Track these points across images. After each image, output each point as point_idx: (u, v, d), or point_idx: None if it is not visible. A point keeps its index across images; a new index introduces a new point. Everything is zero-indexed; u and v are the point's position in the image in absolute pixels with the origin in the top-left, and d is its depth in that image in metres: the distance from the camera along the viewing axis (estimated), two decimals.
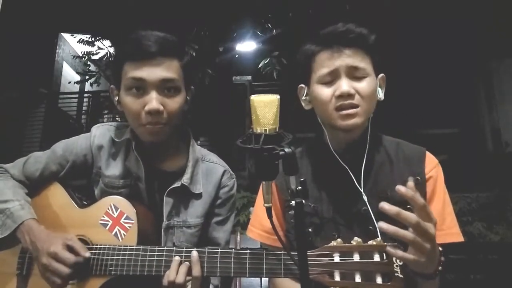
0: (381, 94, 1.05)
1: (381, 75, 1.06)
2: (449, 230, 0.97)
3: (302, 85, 1.09)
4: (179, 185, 1.09)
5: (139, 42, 1.00)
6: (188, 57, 1.10)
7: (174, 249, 0.92)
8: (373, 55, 1.03)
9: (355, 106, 0.97)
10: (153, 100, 0.99)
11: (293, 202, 0.73)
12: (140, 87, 1.01)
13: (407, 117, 5.24)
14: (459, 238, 0.97)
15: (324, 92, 1.00)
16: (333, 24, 1.03)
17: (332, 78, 1.00)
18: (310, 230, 1.01)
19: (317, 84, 1.02)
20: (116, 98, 1.10)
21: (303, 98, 1.09)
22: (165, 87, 1.02)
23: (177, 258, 0.90)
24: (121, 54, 1.05)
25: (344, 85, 0.97)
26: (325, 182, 1.05)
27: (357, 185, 1.00)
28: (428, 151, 1.06)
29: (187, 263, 0.89)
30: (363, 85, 0.98)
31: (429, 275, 0.81)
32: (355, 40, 0.99)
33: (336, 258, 0.80)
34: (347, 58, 0.98)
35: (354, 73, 0.99)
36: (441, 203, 1.00)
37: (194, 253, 0.89)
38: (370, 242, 0.80)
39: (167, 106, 1.02)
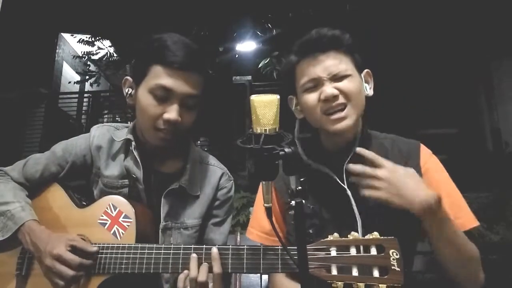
0: (368, 90, 1.06)
1: (365, 70, 1.07)
2: (467, 217, 0.99)
3: (291, 96, 1.12)
4: (177, 186, 1.09)
5: (176, 51, 1.00)
6: (208, 67, 1.11)
7: (172, 247, 0.92)
8: (352, 54, 1.04)
9: (342, 106, 0.98)
10: (174, 111, 1.01)
11: (293, 202, 0.73)
12: (165, 95, 1.01)
13: (407, 117, 5.24)
14: (476, 222, 0.99)
15: (310, 98, 1.02)
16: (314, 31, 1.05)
17: (314, 84, 1.02)
18: (311, 231, 1.02)
19: (302, 93, 1.04)
20: (128, 90, 1.09)
21: (294, 108, 1.12)
22: (187, 101, 1.03)
23: (194, 255, 0.89)
24: (153, 55, 1.03)
25: (327, 88, 0.98)
26: (323, 183, 1.05)
27: (341, 184, 1.01)
28: (423, 144, 1.08)
29: (206, 263, 0.88)
30: (345, 84, 0.99)
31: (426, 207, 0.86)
32: (329, 44, 1.01)
33: (333, 252, 0.80)
34: (325, 64, 1.00)
35: (335, 76, 1.00)
36: (448, 192, 1.00)
37: (215, 250, 0.89)
38: (367, 236, 0.80)
39: (183, 118, 1.03)
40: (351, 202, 0.99)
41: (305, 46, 1.04)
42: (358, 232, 0.89)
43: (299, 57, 1.05)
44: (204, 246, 0.90)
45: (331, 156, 1.06)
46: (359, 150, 0.95)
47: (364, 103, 1.04)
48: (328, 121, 0.99)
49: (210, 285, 0.89)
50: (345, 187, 1.01)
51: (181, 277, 0.89)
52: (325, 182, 1.04)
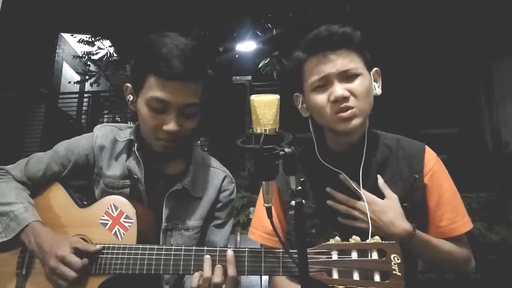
0: (377, 89, 1.03)
1: (374, 69, 1.04)
2: (463, 221, 1.03)
3: (297, 94, 1.09)
4: (180, 187, 1.09)
5: (170, 61, 0.96)
6: (209, 76, 1.09)
7: (173, 248, 0.92)
8: (362, 52, 1.01)
9: (351, 107, 0.96)
10: (172, 122, 1.00)
11: (293, 202, 0.73)
12: (161, 106, 1.00)
13: (407, 117, 5.24)
14: (471, 225, 1.04)
15: (319, 98, 1.00)
16: (320, 27, 1.02)
17: (324, 84, 0.99)
18: (313, 231, 1.02)
19: (311, 92, 1.02)
20: (130, 98, 1.09)
21: (300, 106, 1.09)
22: (186, 110, 1.02)
23: (208, 256, 0.88)
24: (148, 65, 1.00)
25: (338, 89, 0.96)
26: (325, 184, 1.04)
27: (355, 187, 1.00)
28: (428, 147, 1.07)
29: (220, 265, 0.87)
30: (356, 85, 0.97)
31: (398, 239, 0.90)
32: (340, 42, 0.98)
33: (334, 256, 0.80)
34: (335, 63, 0.97)
35: (345, 75, 0.98)
36: (449, 198, 1.04)
37: (230, 252, 0.88)
38: (368, 241, 0.80)
39: (183, 126, 1.03)
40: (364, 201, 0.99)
41: (315, 43, 1.00)
42: (369, 236, 0.89)
43: (308, 54, 1.01)
44: (218, 248, 0.90)
45: (339, 158, 1.05)
46: (329, 191, 1.02)
47: (372, 103, 1.02)
48: (337, 120, 0.98)
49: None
50: (361, 193, 0.99)
51: (196, 274, 0.88)
52: (335, 183, 1.02)
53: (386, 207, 0.96)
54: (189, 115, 1.04)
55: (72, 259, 0.92)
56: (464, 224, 1.03)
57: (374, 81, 1.03)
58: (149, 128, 1.03)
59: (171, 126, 1.00)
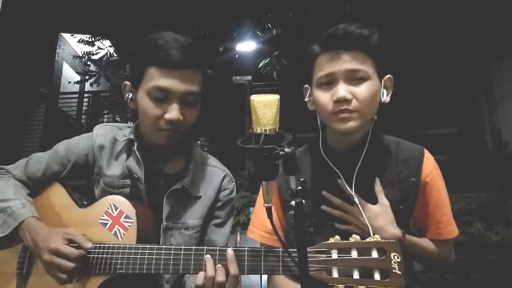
0: (385, 97, 1.02)
1: (387, 76, 1.03)
2: (451, 227, 1.07)
3: (307, 86, 1.09)
4: (180, 187, 1.10)
5: (169, 51, 0.99)
6: (208, 67, 1.10)
7: (173, 247, 0.92)
8: (376, 57, 1.00)
9: (350, 111, 0.96)
10: (175, 110, 1.01)
11: (293, 202, 0.73)
12: (163, 96, 1.01)
13: (407, 117, 5.24)
14: (457, 231, 1.08)
15: (323, 96, 1.00)
16: (336, 24, 1.01)
17: (330, 81, 0.99)
18: (311, 229, 1.02)
19: (317, 87, 1.02)
20: (129, 95, 1.09)
21: (307, 99, 1.09)
22: (187, 99, 1.03)
23: (208, 256, 0.89)
24: (147, 57, 1.02)
25: (341, 90, 0.96)
26: (323, 182, 1.05)
27: (347, 188, 1.01)
28: (426, 150, 1.08)
29: (219, 265, 0.88)
30: (361, 90, 0.97)
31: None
32: (354, 43, 0.97)
33: (334, 255, 0.80)
34: (346, 63, 0.97)
35: (352, 77, 0.97)
36: (445, 202, 1.07)
37: (230, 251, 0.88)
38: (368, 239, 0.80)
39: (185, 116, 1.03)
40: (358, 208, 0.99)
41: (330, 40, 1.00)
42: (370, 235, 0.90)
43: (322, 49, 1.01)
44: (218, 248, 0.90)
45: (339, 157, 1.05)
46: (325, 194, 1.03)
47: (376, 109, 1.01)
48: (334, 119, 0.98)
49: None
50: (352, 193, 1.00)
51: (201, 273, 0.88)
52: (334, 183, 1.03)
53: (377, 213, 0.98)
54: (190, 104, 1.05)
55: (66, 250, 0.92)
56: (455, 228, 1.07)
57: (385, 88, 1.02)
58: (150, 119, 1.03)
59: (173, 114, 1.01)
